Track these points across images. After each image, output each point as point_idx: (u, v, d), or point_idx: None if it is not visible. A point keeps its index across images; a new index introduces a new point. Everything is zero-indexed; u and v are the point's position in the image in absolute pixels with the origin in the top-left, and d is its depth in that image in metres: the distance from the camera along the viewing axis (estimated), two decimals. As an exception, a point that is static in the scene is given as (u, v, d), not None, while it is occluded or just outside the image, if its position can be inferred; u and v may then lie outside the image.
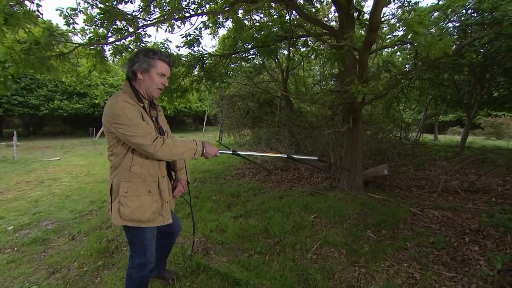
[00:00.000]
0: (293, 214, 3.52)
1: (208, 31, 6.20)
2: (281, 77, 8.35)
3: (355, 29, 4.57)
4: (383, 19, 8.23)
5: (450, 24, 8.00)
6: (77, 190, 5.25)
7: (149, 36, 4.56)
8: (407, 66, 8.50)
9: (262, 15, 6.86)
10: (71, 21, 3.36)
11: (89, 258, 2.62)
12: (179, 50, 19.51)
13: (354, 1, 4.16)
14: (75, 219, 3.72)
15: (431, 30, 8.29)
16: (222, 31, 22.98)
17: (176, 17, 3.73)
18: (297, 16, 4.98)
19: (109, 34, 3.84)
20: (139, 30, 4.03)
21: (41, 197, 4.83)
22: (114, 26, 3.81)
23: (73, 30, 3.49)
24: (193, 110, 26.58)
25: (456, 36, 7.71)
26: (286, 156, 2.12)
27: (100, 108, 19.41)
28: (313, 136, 6.56)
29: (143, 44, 4.21)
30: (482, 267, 2.24)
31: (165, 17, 3.62)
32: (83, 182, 6.03)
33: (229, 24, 6.46)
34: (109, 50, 4.01)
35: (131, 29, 3.98)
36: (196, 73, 6.27)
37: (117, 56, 4.09)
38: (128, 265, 1.70)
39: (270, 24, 6.09)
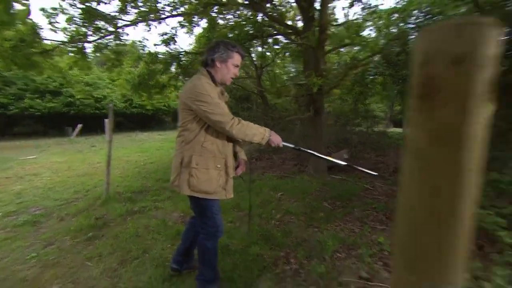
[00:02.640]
0: (262, 193, 4.00)
1: (184, 30, 6.52)
2: (255, 74, 8.80)
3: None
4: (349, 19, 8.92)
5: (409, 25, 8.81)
6: (60, 183, 5.44)
7: (127, 34, 4.83)
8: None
9: (236, 15, 7.28)
10: (53, 20, 3.61)
11: (80, 232, 2.96)
12: (156, 48, 19.43)
13: (314, 4, 4.68)
14: (61, 205, 3.98)
15: (393, 30, 9.09)
16: (198, 30, 23.05)
17: (153, 17, 4.07)
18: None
19: (89, 32, 4.11)
20: (118, 30, 4.32)
21: (24, 190, 4.99)
22: (94, 26, 4.07)
23: (54, 28, 3.75)
24: (172, 108, 26.49)
25: (414, 36, 8.53)
26: (346, 164, 2.09)
27: (75, 106, 19.00)
28: (286, 129, 7.09)
29: (122, 42, 4.50)
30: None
31: (140, 18, 3.95)
32: (65, 176, 6.18)
33: (204, 23, 6.85)
34: (89, 48, 4.29)
35: (110, 29, 4.27)
36: (173, 70, 6.59)
37: (98, 54, 4.36)
38: (200, 237, 1.81)
39: (243, 23, 6.53)
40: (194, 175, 1.63)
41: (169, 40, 5.64)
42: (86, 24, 3.99)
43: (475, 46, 0.33)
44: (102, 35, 4.14)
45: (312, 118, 4.52)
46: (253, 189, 4.13)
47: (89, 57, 4.47)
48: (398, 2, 8.82)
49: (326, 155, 2.17)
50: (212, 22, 5.37)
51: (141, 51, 5.99)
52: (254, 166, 6.14)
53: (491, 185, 2.29)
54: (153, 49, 5.92)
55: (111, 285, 2.09)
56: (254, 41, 6.64)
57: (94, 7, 3.76)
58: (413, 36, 8.56)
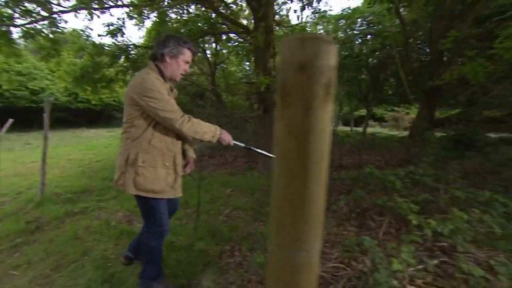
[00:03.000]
0: (212, 190, 4.04)
1: (133, 22, 6.20)
2: (209, 71, 8.74)
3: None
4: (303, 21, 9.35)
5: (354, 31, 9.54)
6: (-16, 186, 4.81)
7: (66, 22, 4.45)
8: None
9: (191, 9, 7.13)
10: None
11: (5, 238, 2.69)
12: (101, 39, 18.05)
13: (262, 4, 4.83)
14: (-16, 211, 3.55)
15: (341, 34, 9.75)
16: (149, 22, 21.93)
17: (96, 6, 3.81)
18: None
19: (16, 15, 3.69)
20: (54, 16, 3.96)
21: None
22: (22, 7, 3.66)
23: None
24: (123, 104, 24.86)
25: (358, 42, 9.30)
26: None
27: (4, 99, 16.77)
28: (238, 126, 7.19)
29: (59, 30, 4.13)
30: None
31: (82, 5, 3.67)
32: (-9, 177, 5.48)
33: (154, 16, 6.54)
34: (17, 33, 3.85)
35: (44, 13, 3.89)
36: (121, 63, 6.23)
37: (28, 40, 3.94)
38: (146, 236, 1.78)
39: (196, 18, 6.43)
40: (140, 173, 1.59)
41: (115, 31, 5.32)
42: (11, 5, 3.56)
43: (315, 56, 0.42)
44: (34, 19, 3.74)
45: (262, 116, 4.68)
46: (203, 186, 4.14)
47: (18, 43, 4.00)
48: (344, 9, 9.52)
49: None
50: (162, 16, 5.20)
51: (85, 41, 5.55)
52: (206, 164, 6.13)
53: (409, 177, 2.65)
54: (98, 40, 5.49)
55: (42, 292, 1.96)
56: (208, 37, 6.59)
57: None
58: (357, 42, 9.34)
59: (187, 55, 1.71)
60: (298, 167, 0.45)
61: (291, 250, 0.48)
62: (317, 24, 10.48)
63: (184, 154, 1.93)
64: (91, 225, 2.96)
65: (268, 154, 2.41)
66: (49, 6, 3.76)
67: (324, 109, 0.44)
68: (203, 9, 6.56)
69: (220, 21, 5.66)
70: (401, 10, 5.72)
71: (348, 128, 20.89)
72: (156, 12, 6.00)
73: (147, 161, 1.60)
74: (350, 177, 3.34)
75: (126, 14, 5.77)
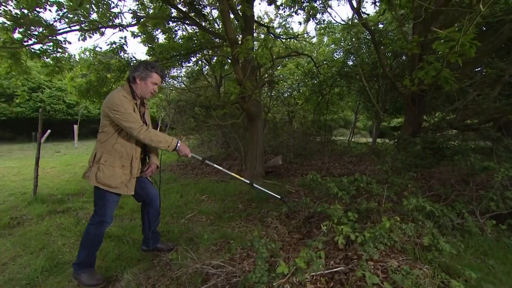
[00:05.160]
0: (189, 195, 4.21)
1: (138, 39, 6.72)
2: (214, 83, 9.11)
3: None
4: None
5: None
6: (0, 187, 5.43)
7: (70, 43, 5.00)
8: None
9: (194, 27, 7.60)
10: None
11: (-13, 231, 3.06)
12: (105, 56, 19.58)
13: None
14: (-14, 208, 4.03)
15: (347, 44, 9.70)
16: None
17: (86, 28, 4.29)
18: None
19: (25, 39, 4.25)
20: (57, 37, 4.50)
21: (-40, 193, 4.97)
22: (29, 32, 4.22)
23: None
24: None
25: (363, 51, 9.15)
26: (248, 182, 2.61)
27: (45, 112, 18.63)
28: (238, 135, 7.37)
29: (61, 50, 4.66)
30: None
31: (75, 23, 4.15)
32: (9, 180, 6.16)
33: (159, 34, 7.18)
34: (25, 54, 4.42)
35: (47, 34, 4.42)
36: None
37: (35, 60, 4.50)
38: (89, 222, 2.07)
39: (197, 34, 6.85)
40: (101, 170, 1.93)
41: (117, 48, 5.84)
42: (22, 31, 4.13)
43: None
44: (40, 40, 4.27)
45: (248, 124, 4.79)
46: (180, 191, 4.34)
47: (24, 62, 4.56)
48: (350, 19, 9.46)
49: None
50: (150, 37, 5.67)
51: (92, 59, 6.15)
52: (201, 171, 6.35)
53: (354, 184, 2.61)
54: (103, 58, 6.04)
55: (-8, 276, 2.23)
56: (205, 52, 6.94)
57: (27, 14, 3.91)
58: (363, 51, 9.18)
59: (154, 77, 2.05)
60: None
61: None
62: (323, 34, 10.55)
63: (146, 159, 2.30)
64: (63, 223, 3.25)
65: (225, 170, 2.62)
66: (51, 28, 4.27)
67: None
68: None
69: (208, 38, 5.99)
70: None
71: (365, 139, 20.21)
72: (159, 29, 6.53)
73: (108, 161, 1.95)
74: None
75: (131, 33, 6.33)
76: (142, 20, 4.26)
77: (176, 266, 2.02)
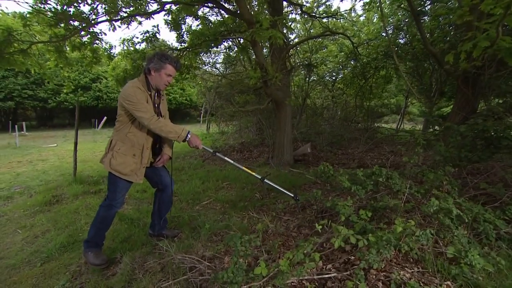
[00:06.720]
0: (209, 182, 4.23)
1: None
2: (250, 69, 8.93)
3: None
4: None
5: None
6: (56, 168, 6.17)
7: (105, 34, 5.30)
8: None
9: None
10: (28, 23, 4.13)
11: (32, 206, 3.46)
12: (140, 45, 20.41)
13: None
14: (40, 185, 4.59)
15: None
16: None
17: (117, 18, 4.45)
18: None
19: (67, 33, 4.59)
20: (93, 29, 4.77)
21: (24, 172, 5.77)
22: (70, 27, 4.54)
23: (29, 31, 4.29)
24: (194, 102, 27.52)
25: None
26: (260, 178, 2.54)
27: (103, 100, 20.65)
28: (268, 122, 7.19)
29: (98, 41, 4.95)
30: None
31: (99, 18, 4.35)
32: (65, 162, 6.96)
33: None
34: (66, 47, 4.79)
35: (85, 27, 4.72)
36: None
37: (75, 52, 4.86)
38: (101, 203, 2.20)
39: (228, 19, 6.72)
40: (114, 157, 2.04)
41: (150, 37, 6.02)
42: (63, 26, 4.46)
43: None
44: (76, 33, 4.58)
45: (275, 110, 4.59)
46: (203, 178, 4.39)
47: (67, 55, 4.95)
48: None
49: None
50: (176, 24, 5.69)
51: (130, 48, 6.46)
52: (232, 158, 6.37)
53: (371, 178, 2.29)
54: (138, 47, 6.29)
55: (22, 247, 2.50)
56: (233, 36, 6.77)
57: (65, 9, 4.19)
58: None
59: (168, 69, 2.07)
60: None
61: None
62: (370, 10, 9.52)
63: (159, 150, 2.34)
64: (91, 203, 3.52)
65: (235, 164, 2.48)
66: (87, 20, 4.53)
67: None
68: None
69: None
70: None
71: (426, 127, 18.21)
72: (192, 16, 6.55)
73: (121, 149, 2.06)
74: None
75: (164, 21, 6.46)
76: (166, 7, 4.28)
77: (166, 254, 2.01)
